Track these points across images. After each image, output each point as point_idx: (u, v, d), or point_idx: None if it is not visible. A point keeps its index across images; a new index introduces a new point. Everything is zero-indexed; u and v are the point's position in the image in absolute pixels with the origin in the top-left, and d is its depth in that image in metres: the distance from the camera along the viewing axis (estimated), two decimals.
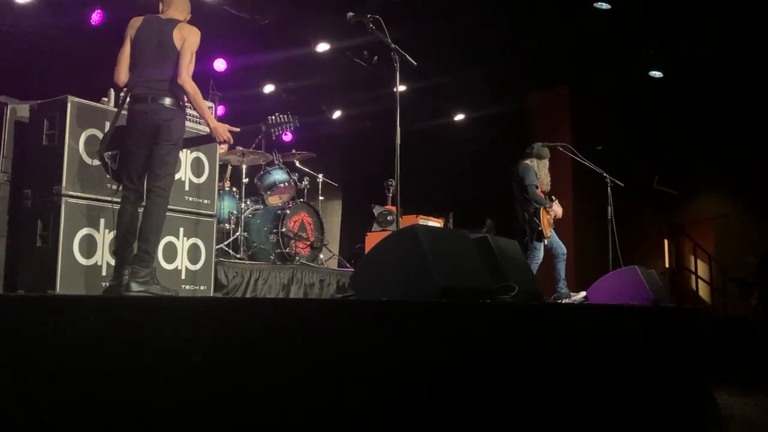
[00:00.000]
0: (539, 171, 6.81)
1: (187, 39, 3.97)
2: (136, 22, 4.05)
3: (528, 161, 6.83)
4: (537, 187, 6.70)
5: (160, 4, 4.21)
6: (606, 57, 9.02)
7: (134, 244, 3.92)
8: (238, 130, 4.30)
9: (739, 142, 10.60)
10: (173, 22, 4.03)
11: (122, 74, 4.02)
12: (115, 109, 4.36)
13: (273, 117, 4.54)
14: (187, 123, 4.38)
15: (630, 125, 10.71)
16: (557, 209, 6.84)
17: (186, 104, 4.14)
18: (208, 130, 4.37)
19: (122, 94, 4.11)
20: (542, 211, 6.64)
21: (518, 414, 2.85)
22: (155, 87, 3.93)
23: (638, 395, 3.70)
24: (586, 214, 9.50)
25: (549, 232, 6.71)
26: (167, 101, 3.93)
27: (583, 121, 10.21)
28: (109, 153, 3.98)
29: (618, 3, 7.72)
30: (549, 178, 6.93)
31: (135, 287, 3.76)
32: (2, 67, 6.02)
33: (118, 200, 4.10)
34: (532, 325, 3.19)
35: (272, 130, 4.54)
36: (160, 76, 3.93)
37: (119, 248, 3.95)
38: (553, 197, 6.98)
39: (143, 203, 4.00)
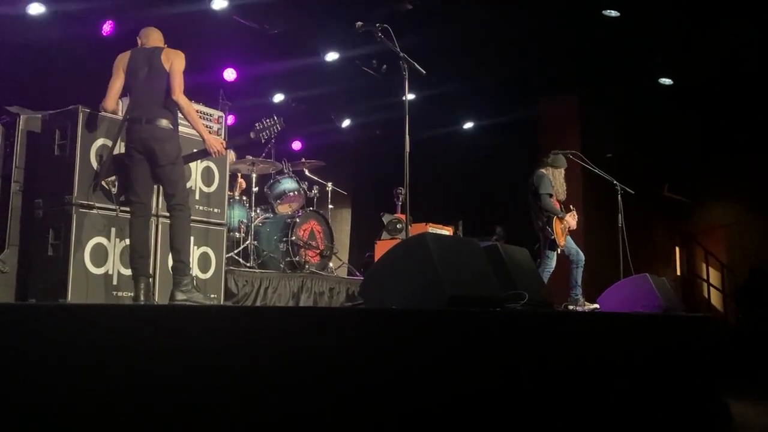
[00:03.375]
0: (554, 180, 6.76)
1: (174, 61, 4.26)
2: (125, 56, 4.36)
3: (543, 170, 6.79)
4: (552, 197, 6.66)
5: (139, 40, 4.49)
6: (615, 65, 9.00)
7: (147, 257, 4.20)
8: (223, 141, 4.50)
9: (750, 148, 10.54)
10: (159, 49, 4.34)
11: (111, 103, 4.33)
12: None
13: (259, 123, 4.64)
14: (183, 129, 4.48)
15: (640, 133, 10.66)
16: (571, 221, 6.78)
17: (181, 122, 4.38)
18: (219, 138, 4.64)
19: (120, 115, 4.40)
20: (555, 220, 6.61)
21: (528, 422, 2.83)
22: (148, 109, 4.20)
23: (650, 404, 3.67)
24: (596, 222, 9.45)
25: (563, 241, 6.67)
26: (159, 122, 4.19)
27: (593, 129, 10.17)
28: (110, 179, 4.28)
29: (627, 11, 7.70)
30: (565, 187, 6.88)
31: (179, 296, 4.08)
32: (15, 78, 6.08)
33: (127, 209, 4.27)
34: (541, 334, 3.17)
35: (260, 135, 4.62)
36: (152, 99, 4.21)
37: (130, 261, 4.18)
38: (572, 207, 6.94)
39: (152, 216, 4.37)
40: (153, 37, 4.45)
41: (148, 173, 4.20)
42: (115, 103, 4.34)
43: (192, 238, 4.74)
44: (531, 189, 6.77)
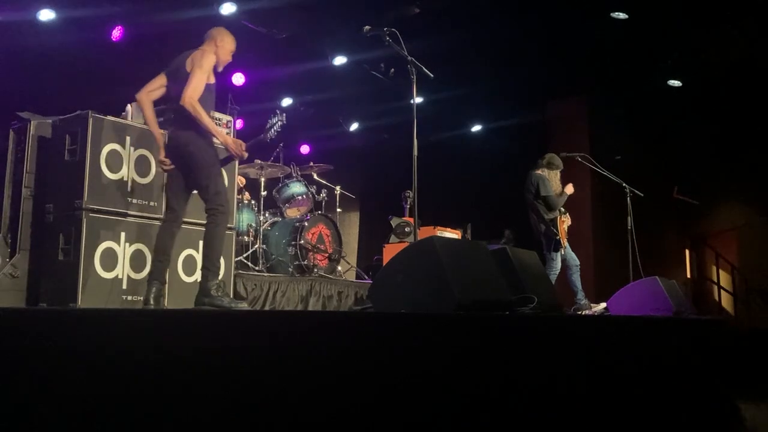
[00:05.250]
0: (551, 181, 6.79)
1: (195, 60, 4.04)
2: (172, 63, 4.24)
3: (540, 171, 6.80)
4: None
5: None
6: (624, 67, 8.97)
7: (165, 263, 4.09)
8: (242, 142, 4.27)
9: (760, 149, 10.46)
10: (191, 51, 4.14)
11: (140, 93, 4.15)
12: (134, 124, 4.47)
13: (267, 122, 4.61)
14: None
15: (649, 135, 10.61)
16: (567, 222, 6.83)
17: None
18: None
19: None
20: (559, 221, 6.62)
21: (538, 426, 2.82)
22: (175, 117, 4.10)
23: (661, 408, 3.65)
24: (605, 224, 9.41)
25: (566, 240, 6.67)
26: (183, 128, 4.04)
27: (601, 131, 10.14)
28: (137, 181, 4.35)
29: (635, 13, 7.68)
30: (561, 188, 6.89)
31: (204, 300, 3.96)
32: (25, 83, 6.11)
33: (137, 213, 4.31)
34: (551, 337, 3.16)
35: (267, 135, 4.58)
36: (176, 103, 4.04)
37: (151, 262, 4.13)
38: (562, 209, 6.95)
39: (179, 224, 4.20)
40: (206, 38, 4.28)
41: (182, 182, 4.10)
42: (145, 95, 4.13)
43: (201, 243, 4.75)
44: (529, 190, 6.78)
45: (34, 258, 4.40)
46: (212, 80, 4.15)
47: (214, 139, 4.18)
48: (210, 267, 4.01)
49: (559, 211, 6.84)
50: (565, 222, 6.74)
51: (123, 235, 4.35)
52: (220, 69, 4.30)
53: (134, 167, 4.45)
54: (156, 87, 4.16)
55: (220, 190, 4.07)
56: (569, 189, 6.84)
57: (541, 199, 6.67)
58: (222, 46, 4.26)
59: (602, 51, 8.58)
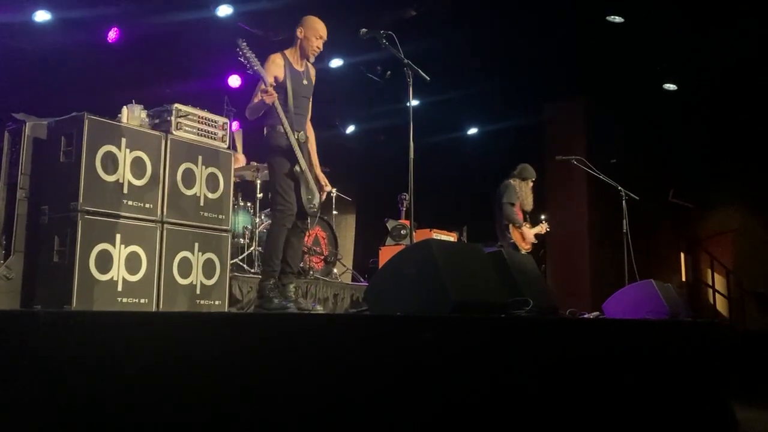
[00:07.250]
0: (521, 191, 7.05)
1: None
2: None
3: (511, 180, 7.08)
4: (513, 206, 6.94)
5: None
6: (620, 70, 9.00)
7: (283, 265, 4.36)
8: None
9: (756, 154, 10.51)
10: None
11: None
12: (129, 125, 4.47)
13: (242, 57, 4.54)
14: (202, 139, 4.47)
15: (645, 138, 10.65)
16: (528, 234, 7.02)
17: (189, 127, 4.50)
18: (224, 145, 4.81)
19: None
20: (512, 227, 6.88)
21: (533, 429, 2.82)
22: None
23: (656, 411, 3.66)
24: (601, 227, 9.43)
25: (525, 245, 6.90)
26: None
27: (598, 134, 10.17)
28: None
29: (631, 16, 7.72)
30: (531, 198, 7.16)
31: (257, 301, 4.20)
32: (21, 84, 6.11)
33: (133, 215, 4.31)
34: (547, 340, 3.17)
35: (250, 64, 4.50)
36: None
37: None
38: (543, 217, 7.15)
39: (298, 224, 4.55)
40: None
41: None
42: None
43: (196, 245, 4.75)
44: (497, 197, 7.06)
45: (28, 260, 4.38)
46: (279, 76, 4.46)
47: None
48: (264, 266, 4.22)
49: (541, 221, 7.12)
50: (524, 233, 6.97)
51: (118, 237, 4.33)
52: (311, 60, 4.70)
53: (130, 169, 4.43)
54: None
55: (277, 190, 4.34)
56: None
57: (501, 206, 6.96)
58: (306, 38, 4.65)
59: (598, 54, 8.61)
